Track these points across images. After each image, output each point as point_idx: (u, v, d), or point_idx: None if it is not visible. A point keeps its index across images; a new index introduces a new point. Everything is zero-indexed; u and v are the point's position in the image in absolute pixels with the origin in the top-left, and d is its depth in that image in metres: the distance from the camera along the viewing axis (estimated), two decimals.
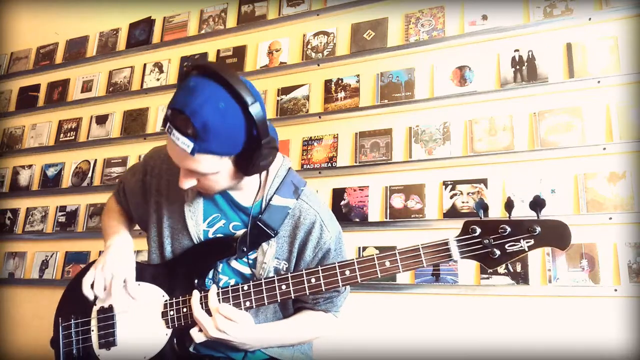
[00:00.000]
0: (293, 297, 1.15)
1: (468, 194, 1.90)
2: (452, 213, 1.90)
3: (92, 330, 1.25)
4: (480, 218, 1.05)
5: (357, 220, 2.05)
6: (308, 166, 2.20)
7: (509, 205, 1.03)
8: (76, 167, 2.74)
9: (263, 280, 1.15)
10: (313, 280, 1.12)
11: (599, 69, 1.82)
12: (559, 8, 1.92)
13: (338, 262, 1.12)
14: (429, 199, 1.97)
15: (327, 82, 2.27)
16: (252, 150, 1.04)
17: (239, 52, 2.51)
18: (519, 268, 1.77)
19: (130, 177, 1.37)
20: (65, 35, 3.05)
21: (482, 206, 1.05)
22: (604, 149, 1.74)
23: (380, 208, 2.04)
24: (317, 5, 2.38)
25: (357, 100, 2.19)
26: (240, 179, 1.15)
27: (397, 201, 2.01)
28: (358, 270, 1.10)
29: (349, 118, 2.19)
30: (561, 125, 1.82)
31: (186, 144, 0.98)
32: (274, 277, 1.15)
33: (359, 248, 2.02)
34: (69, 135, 2.83)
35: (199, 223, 1.24)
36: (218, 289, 1.17)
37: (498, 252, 1.01)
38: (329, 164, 2.16)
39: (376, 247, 1.99)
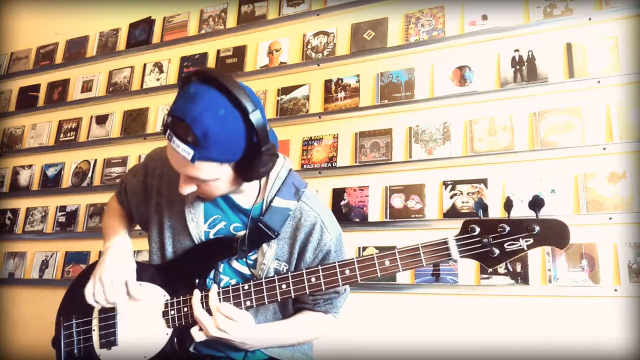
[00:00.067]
0: (293, 297, 1.15)
1: (468, 194, 1.90)
2: (452, 213, 1.90)
3: (94, 330, 1.26)
4: (480, 218, 1.05)
5: (357, 220, 2.05)
6: (308, 166, 2.20)
7: (508, 204, 1.04)
8: (76, 167, 2.74)
9: (263, 280, 1.16)
10: (313, 279, 1.12)
11: (599, 69, 1.82)
12: (559, 8, 1.92)
13: (338, 262, 1.12)
14: (429, 199, 1.97)
15: (327, 82, 2.27)
16: (252, 157, 1.04)
17: (239, 52, 2.51)
18: (519, 268, 1.77)
19: (132, 177, 1.37)
20: (65, 35, 3.05)
21: (482, 206, 1.06)
22: (604, 149, 1.74)
23: (380, 208, 2.04)
24: (317, 5, 2.38)
25: (357, 100, 2.19)
26: (240, 185, 1.15)
27: (397, 201, 2.01)
28: (358, 269, 1.10)
29: (349, 118, 2.19)
30: (561, 125, 1.82)
31: (186, 151, 0.99)
32: (274, 276, 1.16)
33: (359, 248, 2.03)
34: (69, 135, 2.83)
35: (200, 224, 1.24)
36: (219, 289, 1.17)
37: (497, 251, 1.02)
38: (329, 164, 2.16)
39: (376, 247, 1.99)
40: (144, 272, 1.25)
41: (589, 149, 1.76)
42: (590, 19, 1.86)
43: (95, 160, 2.70)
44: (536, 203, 1.00)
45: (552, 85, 1.87)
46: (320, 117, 2.24)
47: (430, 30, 2.13)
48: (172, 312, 1.20)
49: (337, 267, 1.12)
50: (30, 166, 2.88)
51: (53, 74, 3.02)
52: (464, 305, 1.82)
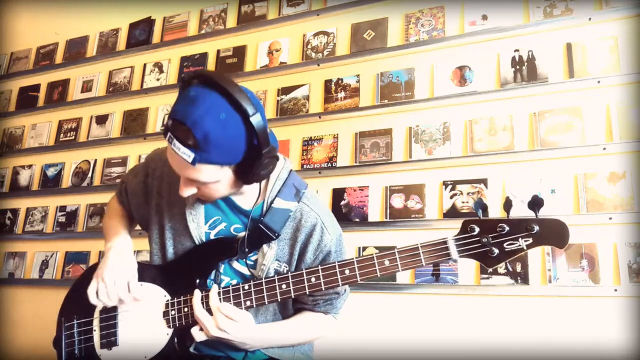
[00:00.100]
0: (293, 297, 1.15)
1: (468, 194, 1.90)
2: (452, 213, 1.90)
3: (94, 330, 1.26)
4: (479, 218, 1.05)
5: (357, 220, 2.05)
6: (308, 166, 2.20)
7: (508, 204, 1.04)
8: (76, 167, 2.74)
9: (264, 280, 1.16)
10: (313, 279, 1.13)
11: (599, 69, 1.82)
12: (559, 8, 1.92)
13: (338, 262, 1.12)
14: (429, 199, 1.97)
15: (327, 82, 2.27)
16: (253, 160, 1.05)
17: (239, 52, 2.51)
18: (519, 268, 1.77)
19: (132, 178, 1.37)
20: (65, 35, 3.05)
21: (481, 206, 1.06)
22: (604, 149, 1.74)
23: (380, 208, 2.04)
24: (317, 5, 2.38)
25: (357, 100, 2.19)
26: (240, 187, 1.15)
27: (397, 201, 2.01)
28: (357, 269, 1.11)
29: (349, 118, 2.19)
30: (561, 125, 1.82)
31: (187, 154, 0.99)
32: (274, 276, 1.16)
33: (359, 248, 2.03)
34: (69, 135, 2.83)
35: (200, 225, 1.24)
36: (219, 289, 1.17)
37: (496, 251, 1.02)
38: (329, 164, 2.16)
39: (376, 247, 1.99)
40: (145, 272, 1.26)
41: (589, 149, 1.76)
42: (590, 19, 1.86)
43: (95, 160, 2.70)
44: (535, 203, 1.00)
45: (552, 85, 1.87)
46: (320, 117, 2.24)
47: (430, 30, 2.13)
48: (173, 312, 1.21)
49: (337, 267, 1.12)
50: (30, 166, 2.88)
51: (53, 74, 3.02)
52: (464, 305, 1.82)
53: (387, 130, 2.10)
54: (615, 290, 1.63)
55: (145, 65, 2.74)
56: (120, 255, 1.24)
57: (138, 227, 1.44)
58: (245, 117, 1.00)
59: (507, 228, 1.01)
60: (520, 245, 1.01)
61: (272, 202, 1.21)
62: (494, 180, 1.88)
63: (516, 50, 1.96)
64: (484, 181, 1.89)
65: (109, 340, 1.23)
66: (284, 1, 2.46)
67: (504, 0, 2.01)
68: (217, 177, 1.06)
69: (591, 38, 1.86)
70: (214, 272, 1.24)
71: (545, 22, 1.93)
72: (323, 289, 1.13)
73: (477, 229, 1.04)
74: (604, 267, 1.67)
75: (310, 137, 2.24)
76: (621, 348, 1.60)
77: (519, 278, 1.76)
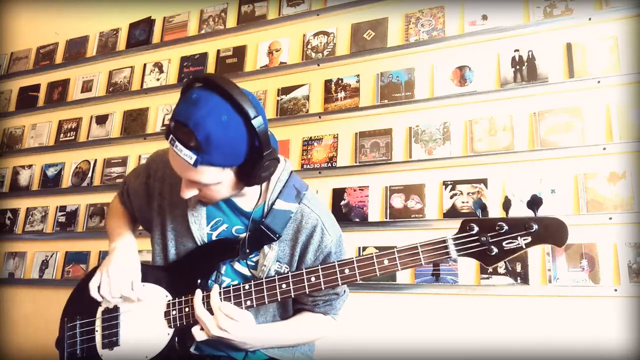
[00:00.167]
0: (293, 296, 1.15)
1: (468, 194, 1.90)
2: (452, 213, 1.90)
3: (96, 331, 1.27)
4: (478, 217, 1.05)
5: (357, 220, 2.05)
6: (308, 166, 2.20)
7: (507, 204, 1.04)
8: (76, 167, 2.74)
9: (264, 280, 1.16)
10: (313, 279, 1.13)
11: (599, 69, 1.82)
12: (559, 8, 1.92)
13: (337, 261, 1.13)
14: (429, 199, 1.97)
15: (327, 82, 2.27)
16: (254, 162, 1.05)
17: (239, 52, 2.51)
18: (519, 268, 1.77)
19: (134, 179, 1.38)
20: (65, 35, 3.05)
21: (480, 205, 1.07)
22: (604, 149, 1.74)
23: (380, 208, 2.04)
24: (317, 5, 2.38)
25: (357, 100, 2.19)
26: (242, 189, 1.16)
27: (397, 201, 2.01)
28: (357, 268, 1.11)
29: (349, 118, 2.19)
30: (561, 125, 1.82)
31: (189, 156, 0.99)
32: (274, 276, 1.17)
33: (359, 248, 2.03)
34: (69, 135, 2.83)
35: (202, 227, 1.25)
36: (220, 289, 1.18)
37: (495, 250, 1.02)
38: (329, 164, 2.16)
39: (376, 247, 1.99)
40: (147, 273, 1.26)
41: (589, 149, 1.76)
42: (590, 19, 1.86)
43: (95, 160, 2.70)
44: (534, 202, 1.00)
45: (552, 85, 1.87)
46: (320, 117, 2.24)
47: (430, 30, 2.13)
48: (174, 312, 1.21)
49: (337, 266, 1.12)
50: (30, 166, 2.88)
51: (53, 74, 3.02)
52: (464, 305, 1.83)
53: (387, 130, 2.10)
54: (615, 290, 1.63)
55: (145, 65, 2.74)
56: (125, 255, 1.25)
57: (140, 227, 1.44)
58: (246, 120, 1.01)
59: (506, 227, 1.02)
60: (519, 244, 1.01)
61: (273, 204, 1.22)
62: (494, 180, 1.88)
63: (516, 50, 1.96)
64: (484, 181, 1.89)
65: (111, 340, 1.24)
66: (284, 1, 2.46)
67: (504, 0, 2.01)
68: (219, 179, 1.07)
69: (591, 38, 1.86)
70: (215, 273, 1.25)
71: (545, 22, 1.93)
72: (323, 288, 1.13)
73: (476, 228, 1.04)
74: (604, 267, 1.67)
75: (310, 137, 2.24)
76: (621, 348, 1.60)
77: (519, 278, 1.76)
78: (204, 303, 1.16)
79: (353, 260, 1.11)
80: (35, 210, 2.77)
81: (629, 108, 1.74)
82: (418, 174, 2.01)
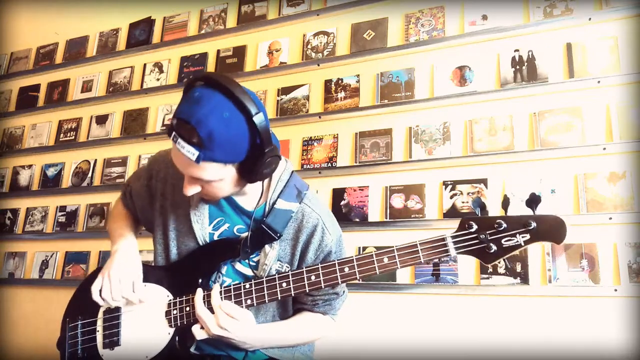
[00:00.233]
0: (293, 295, 1.16)
1: (468, 194, 1.90)
2: (452, 213, 1.90)
3: (98, 331, 1.27)
4: (477, 215, 1.06)
5: (357, 220, 2.05)
6: (308, 166, 2.20)
7: (505, 202, 1.05)
8: (76, 167, 2.74)
9: (264, 279, 1.17)
10: (313, 277, 1.14)
11: (599, 69, 1.82)
12: (559, 8, 1.92)
13: (337, 260, 1.14)
14: (429, 199, 1.97)
15: (327, 82, 2.27)
16: (256, 158, 1.06)
17: (239, 52, 2.51)
18: (519, 268, 1.77)
19: (136, 180, 1.39)
20: (65, 35, 3.05)
21: (479, 204, 1.08)
22: (604, 149, 1.74)
23: (380, 208, 2.04)
24: (317, 5, 2.38)
25: (357, 100, 2.19)
26: (244, 186, 1.17)
27: (397, 201, 2.01)
28: (357, 267, 1.11)
29: (349, 118, 2.19)
30: (561, 125, 1.82)
31: (191, 152, 1.01)
32: (275, 275, 1.17)
33: (359, 248, 2.03)
34: (69, 135, 2.83)
35: (204, 226, 1.26)
36: (221, 288, 1.18)
37: (494, 247, 1.02)
38: (329, 164, 2.16)
39: (376, 247, 1.99)
40: (149, 273, 1.27)
41: (589, 149, 1.76)
42: (590, 19, 1.86)
43: (95, 160, 2.70)
44: (533, 200, 1.01)
45: (552, 85, 1.87)
46: (320, 117, 2.24)
47: (430, 30, 2.13)
48: (175, 311, 1.21)
49: (337, 265, 1.13)
50: (30, 166, 2.88)
51: (53, 74, 3.02)
52: (464, 305, 1.83)
53: (387, 130, 2.10)
54: (615, 290, 1.63)
55: (145, 65, 2.74)
56: (127, 256, 1.25)
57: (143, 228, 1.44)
58: (248, 117, 1.02)
59: (504, 225, 1.02)
60: (518, 241, 1.01)
61: (274, 203, 1.23)
62: (494, 180, 1.88)
63: (516, 50, 1.96)
64: (484, 181, 1.89)
65: (112, 340, 1.24)
66: (284, 1, 2.46)
67: (504, 0, 2.01)
68: (221, 176, 1.07)
69: (591, 38, 1.86)
70: (216, 273, 1.25)
71: (545, 22, 1.93)
72: (323, 287, 1.14)
73: (475, 226, 1.05)
74: (604, 267, 1.67)
75: (310, 137, 2.24)
76: (621, 348, 1.60)
77: (519, 278, 1.76)
78: (204, 302, 1.16)
79: (353, 259, 1.12)
80: (35, 210, 2.77)
81: (629, 108, 1.74)
82: (418, 174, 2.01)
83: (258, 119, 1.03)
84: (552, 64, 1.90)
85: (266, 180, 1.24)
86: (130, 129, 2.66)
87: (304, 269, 1.15)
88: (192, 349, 1.22)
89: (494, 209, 1.85)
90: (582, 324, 1.66)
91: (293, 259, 1.25)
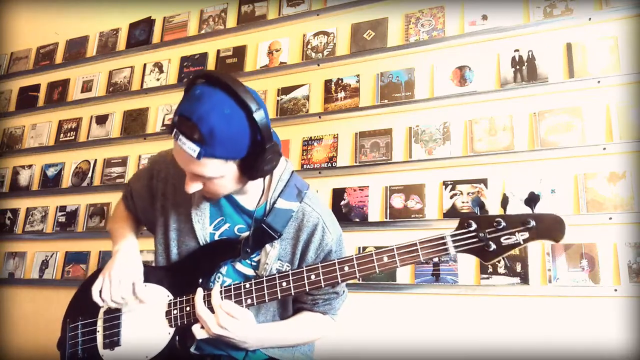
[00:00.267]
0: (293, 294, 1.16)
1: (468, 194, 1.90)
2: (452, 213, 1.90)
3: (98, 331, 1.27)
4: (477, 214, 1.06)
5: (357, 220, 2.05)
6: (308, 166, 2.20)
7: (504, 201, 1.06)
8: (76, 167, 2.74)
9: (264, 278, 1.17)
10: (313, 276, 1.14)
11: (599, 69, 1.82)
12: (559, 8, 1.92)
13: (337, 259, 1.14)
14: (429, 199, 1.97)
15: (327, 82, 2.27)
16: (257, 155, 1.07)
17: (239, 52, 2.51)
18: (519, 268, 1.77)
19: (137, 181, 1.40)
20: (65, 35, 3.05)
21: (479, 203, 1.09)
22: (604, 149, 1.74)
23: (380, 208, 2.04)
24: (317, 5, 2.38)
25: (357, 100, 2.19)
26: (245, 183, 1.17)
27: (397, 201, 2.01)
28: (357, 265, 1.11)
29: (349, 118, 2.19)
30: (561, 125, 1.82)
31: (193, 148, 1.01)
32: (275, 274, 1.17)
33: (359, 248, 2.03)
34: (69, 135, 2.83)
35: (205, 226, 1.26)
36: (221, 288, 1.18)
37: (494, 246, 1.03)
38: (329, 164, 2.16)
39: (376, 247, 1.97)
40: (150, 273, 1.27)
41: (589, 149, 1.76)
42: (590, 19, 1.86)
43: (95, 160, 2.70)
44: (531, 199, 1.02)
45: (552, 85, 1.87)
46: (320, 117, 2.24)
47: (430, 30, 2.13)
48: (175, 311, 1.21)
49: (337, 264, 1.13)
50: (30, 166, 2.88)
51: (53, 74, 3.02)
52: (464, 305, 1.83)
53: (387, 130, 2.10)
54: (615, 290, 1.63)
55: (145, 65, 2.74)
56: (127, 257, 1.25)
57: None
58: (249, 114, 1.03)
59: (503, 223, 1.03)
60: (517, 239, 1.02)
61: (274, 203, 1.23)
62: (494, 180, 1.88)
63: (516, 50, 1.96)
64: (484, 181, 1.89)
65: (112, 340, 1.24)
66: (284, 1, 2.46)
67: (504, 0, 2.01)
68: (222, 172, 1.08)
69: (591, 38, 1.86)
70: (216, 273, 1.26)
71: (545, 22, 1.93)
72: (323, 286, 1.14)
73: (474, 225, 1.05)
74: (604, 267, 1.67)
75: (310, 137, 2.24)
76: (621, 348, 1.60)
77: (519, 278, 1.76)
78: (205, 302, 1.16)
79: (353, 258, 1.12)
80: (35, 210, 2.77)
81: (629, 108, 1.74)
82: (418, 174, 2.01)
83: (259, 115, 1.03)
84: (552, 64, 1.90)
85: (267, 180, 1.25)
86: (130, 129, 2.67)
87: (304, 268, 1.15)
88: (192, 349, 1.22)
89: (494, 209, 1.85)
90: (582, 324, 1.66)
91: (294, 258, 1.25)
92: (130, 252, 1.27)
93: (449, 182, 1.94)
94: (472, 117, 1.97)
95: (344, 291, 1.36)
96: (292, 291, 1.15)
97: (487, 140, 1.92)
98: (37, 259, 2.68)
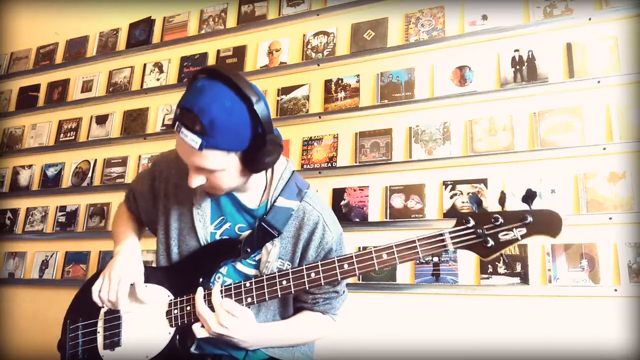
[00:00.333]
0: (293, 292, 1.16)
1: (468, 194, 1.90)
2: (452, 213, 1.90)
3: (98, 332, 1.27)
4: (474, 211, 1.07)
5: (357, 220, 2.05)
6: (308, 166, 2.20)
7: (502, 198, 1.07)
8: (76, 167, 2.74)
9: (264, 277, 1.17)
10: (313, 274, 1.14)
11: (599, 69, 1.82)
12: (559, 8, 1.92)
13: (337, 257, 1.14)
14: (429, 199, 1.97)
15: (327, 82, 2.27)
16: (258, 147, 1.07)
17: (239, 52, 2.51)
18: (518, 268, 1.77)
19: (140, 182, 1.40)
20: (65, 35, 3.05)
21: (476, 201, 1.09)
22: (604, 149, 1.74)
23: (380, 208, 2.04)
24: (317, 5, 2.38)
25: (357, 100, 2.19)
26: (248, 177, 1.18)
27: (397, 201, 2.01)
28: (356, 263, 1.12)
29: (349, 118, 2.19)
30: (561, 125, 1.82)
31: (194, 140, 1.02)
32: (275, 273, 1.17)
33: (359, 248, 2.02)
34: (69, 135, 2.83)
35: (207, 225, 1.26)
36: (221, 287, 1.19)
37: (491, 242, 1.04)
38: (329, 164, 2.16)
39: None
40: (151, 274, 1.27)
41: (589, 149, 1.76)
42: (590, 19, 1.86)
43: (95, 160, 2.70)
44: (529, 196, 1.02)
45: (552, 85, 1.87)
46: (320, 117, 2.24)
47: (430, 30, 2.13)
48: (176, 311, 1.22)
49: (336, 261, 1.13)
50: (30, 166, 2.88)
51: (53, 74, 3.02)
52: (464, 305, 1.83)
53: (387, 130, 2.10)
54: (615, 290, 1.63)
55: (145, 65, 2.74)
56: (128, 258, 1.26)
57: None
58: (249, 105, 1.04)
59: (501, 220, 1.04)
60: (514, 235, 1.03)
61: (275, 201, 1.23)
62: (494, 180, 1.88)
63: (516, 50, 1.96)
64: (484, 181, 1.89)
65: (112, 341, 1.24)
66: (284, 1, 2.46)
67: (504, 0, 2.01)
68: (224, 165, 1.08)
69: (591, 38, 1.86)
70: (216, 273, 1.26)
71: (545, 22, 1.93)
72: (322, 284, 1.14)
73: (472, 222, 1.06)
74: (604, 267, 1.67)
75: (310, 137, 2.24)
76: (621, 348, 1.60)
77: (519, 278, 1.76)
78: (205, 301, 1.17)
79: (352, 256, 1.13)
80: (35, 210, 2.77)
81: (629, 108, 1.74)
82: (418, 174, 2.01)
83: (259, 107, 1.05)
84: (552, 64, 1.90)
85: (268, 178, 1.26)
86: (130, 129, 2.67)
87: (304, 267, 1.15)
88: (192, 349, 1.22)
89: (494, 209, 1.84)
90: (582, 324, 1.66)
91: (294, 257, 1.26)
92: (131, 252, 1.28)
93: (449, 182, 1.94)
94: (472, 117, 1.97)
95: (344, 291, 1.36)
96: (292, 289, 1.15)
97: (487, 140, 1.92)
98: (37, 259, 2.68)
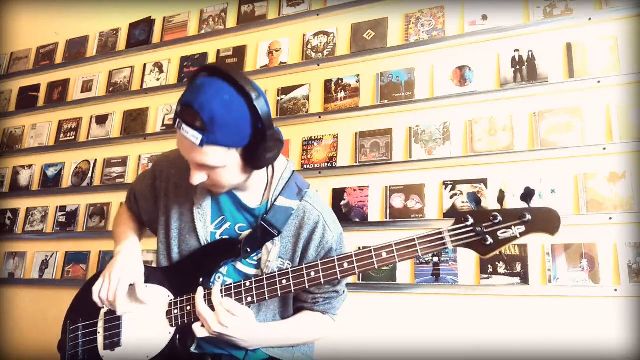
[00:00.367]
0: (293, 291, 1.16)
1: (468, 194, 1.90)
2: (452, 213, 1.90)
3: (99, 332, 1.27)
4: (473, 209, 1.08)
5: (357, 220, 2.05)
6: (308, 166, 2.20)
7: (501, 197, 1.07)
8: (76, 167, 2.74)
9: (264, 276, 1.18)
10: (312, 273, 1.14)
11: (599, 69, 1.82)
12: (559, 8, 1.92)
13: (337, 256, 1.15)
14: (429, 199, 1.97)
15: (327, 82, 2.27)
16: (258, 143, 1.08)
17: (239, 52, 2.51)
18: (518, 268, 1.77)
19: (140, 182, 1.41)
20: (65, 35, 3.05)
21: (475, 199, 1.10)
22: (604, 149, 1.74)
23: (380, 208, 2.04)
24: (317, 5, 2.38)
25: (357, 100, 2.19)
26: (249, 174, 1.18)
27: (397, 201, 2.01)
28: (356, 262, 1.12)
29: (349, 118, 2.19)
30: (561, 125, 1.82)
31: (195, 136, 1.02)
32: (274, 272, 1.18)
33: (359, 248, 2.02)
34: (69, 135, 2.83)
35: (207, 225, 1.26)
36: (221, 287, 1.19)
37: (490, 240, 1.04)
38: (329, 164, 2.16)
39: None
40: (150, 274, 1.27)
41: (589, 149, 1.76)
42: (590, 19, 1.86)
43: (95, 160, 2.70)
44: (527, 194, 1.03)
45: (552, 85, 1.87)
46: (320, 117, 2.24)
47: (430, 30, 2.13)
48: (176, 311, 1.22)
49: (336, 260, 1.14)
50: (30, 166, 2.88)
51: (53, 74, 3.02)
52: (464, 305, 1.83)
53: (387, 130, 2.10)
54: (615, 290, 1.63)
55: (145, 65, 2.74)
56: (129, 258, 1.26)
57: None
58: (249, 101, 1.05)
59: (500, 217, 1.04)
60: (513, 233, 1.03)
61: (275, 200, 1.23)
62: (494, 180, 1.88)
63: (516, 50, 1.96)
64: (484, 181, 1.89)
65: (113, 341, 1.24)
66: (284, 1, 2.46)
67: (504, 0, 2.01)
68: (225, 161, 1.09)
69: (591, 38, 1.86)
70: (216, 273, 1.26)
71: (545, 22, 1.93)
72: (322, 283, 1.14)
73: (471, 220, 1.07)
74: (604, 267, 1.67)
75: (310, 137, 2.24)
76: (621, 348, 1.60)
77: (519, 278, 1.76)
78: (205, 300, 1.17)
79: (352, 254, 1.13)
80: (35, 210, 2.77)
81: (629, 108, 1.75)
82: (418, 174, 2.01)
83: (259, 103, 1.05)
84: (552, 64, 1.90)
85: (269, 177, 1.26)
86: (130, 129, 2.67)
87: (304, 266, 1.16)
88: (192, 348, 1.22)
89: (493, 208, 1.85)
90: (582, 324, 1.66)
91: (294, 256, 1.26)
92: (132, 253, 1.28)
93: (449, 182, 1.94)
94: (472, 117, 1.97)
95: (344, 291, 1.36)
96: (292, 288, 1.15)
97: (487, 140, 1.92)
98: (37, 259, 2.68)
